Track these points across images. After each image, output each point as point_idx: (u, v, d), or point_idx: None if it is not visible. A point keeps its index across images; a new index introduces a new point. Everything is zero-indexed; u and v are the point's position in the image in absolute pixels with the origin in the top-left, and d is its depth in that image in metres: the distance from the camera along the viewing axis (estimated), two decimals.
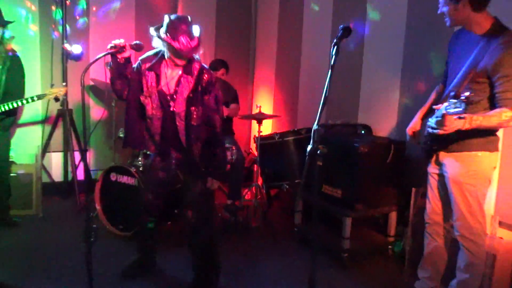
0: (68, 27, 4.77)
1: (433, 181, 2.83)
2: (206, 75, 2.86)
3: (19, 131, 4.71)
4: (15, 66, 3.77)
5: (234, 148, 4.37)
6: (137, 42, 2.77)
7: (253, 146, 5.22)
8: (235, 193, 4.51)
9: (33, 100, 3.73)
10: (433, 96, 2.92)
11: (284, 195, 4.98)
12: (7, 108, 3.63)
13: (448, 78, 2.69)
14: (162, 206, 3.20)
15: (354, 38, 4.27)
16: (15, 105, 3.66)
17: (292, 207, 4.29)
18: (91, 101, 5.17)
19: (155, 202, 3.13)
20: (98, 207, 3.95)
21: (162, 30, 2.70)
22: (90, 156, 5.18)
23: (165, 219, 3.91)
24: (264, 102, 5.49)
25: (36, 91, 3.83)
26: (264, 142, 4.29)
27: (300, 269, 3.41)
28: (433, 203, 2.86)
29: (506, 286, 2.83)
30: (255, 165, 4.40)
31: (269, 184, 4.58)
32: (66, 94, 4.37)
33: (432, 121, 2.45)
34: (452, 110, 2.24)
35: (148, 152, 3.88)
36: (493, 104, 2.44)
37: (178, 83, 2.85)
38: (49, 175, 4.92)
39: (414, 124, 2.90)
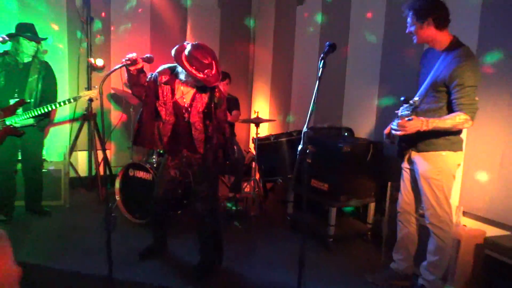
0: (92, 44, 4.76)
1: (406, 176, 2.84)
2: (217, 93, 2.87)
3: (50, 133, 4.69)
4: (48, 75, 3.79)
5: (235, 147, 4.38)
6: (148, 55, 2.76)
7: (251, 146, 5.21)
8: (236, 186, 4.52)
9: (69, 102, 3.75)
10: None
11: (278, 188, 4.98)
12: (45, 111, 3.64)
13: (418, 88, 2.71)
14: (171, 199, 3.18)
15: (338, 54, 4.25)
16: (53, 107, 3.68)
17: (285, 199, 4.28)
18: (112, 107, 5.16)
19: (165, 196, 3.12)
20: (117, 198, 3.94)
21: (186, 60, 2.61)
22: (111, 154, 5.17)
23: (176, 209, 3.90)
24: (261, 108, 5.48)
25: (65, 97, 3.85)
26: (261, 143, 4.29)
27: (292, 251, 3.40)
28: (404, 195, 2.87)
29: (469, 266, 2.84)
30: (253, 162, 4.40)
31: (265, 179, 4.58)
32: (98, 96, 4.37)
33: (394, 124, 2.49)
34: (403, 113, 2.38)
35: (161, 151, 3.88)
36: (451, 109, 2.47)
37: (193, 98, 2.84)
38: (76, 171, 4.90)
39: (390, 127, 2.92)
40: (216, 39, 5.66)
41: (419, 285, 2.73)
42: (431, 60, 2.62)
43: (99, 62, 4.73)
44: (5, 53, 3.64)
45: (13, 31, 3.63)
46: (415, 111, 2.38)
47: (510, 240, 2.68)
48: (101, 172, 4.61)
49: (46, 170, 4.16)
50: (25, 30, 3.61)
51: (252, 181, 4.41)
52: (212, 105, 2.85)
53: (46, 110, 3.64)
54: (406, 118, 2.37)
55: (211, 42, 5.25)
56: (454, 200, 3.15)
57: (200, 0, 5.52)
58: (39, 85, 3.69)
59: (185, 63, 2.61)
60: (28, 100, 3.64)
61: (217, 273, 3.05)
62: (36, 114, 3.61)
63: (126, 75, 2.80)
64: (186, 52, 2.63)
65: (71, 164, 4.70)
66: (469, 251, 2.82)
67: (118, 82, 4.68)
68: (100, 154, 4.62)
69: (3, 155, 3.67)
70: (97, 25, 4.86)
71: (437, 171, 2.58)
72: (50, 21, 4.60)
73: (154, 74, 2.88)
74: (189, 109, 2.84)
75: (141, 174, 3.81)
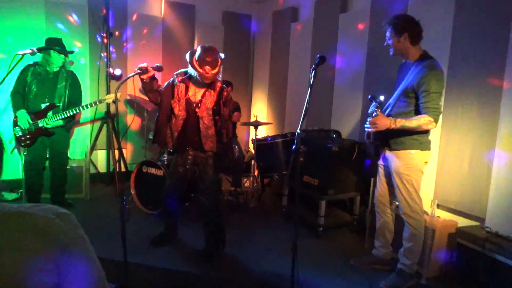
0: (110, 55, 4.73)
1: (381, 171, 2.86)
2: (225, 93, 2.88)
3: (73, 134, 4.66)
4: (74, 83, 3.81)
5: (236, 147, 4.35)
6: (158, 64, 2.75)
7: (251, 146, 5.19)
8: (237, 181, 4.49)
9: (95, 104, 3.79)
10: None
11: (274, 183, 4.96)
12: (73, 113, 3.67)
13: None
14: (180, 193, 3.16)
15: (328, 65, 4.26)
16: (80, 109, 3.71)
17: (280, 192, 4.27)
18: (128, 111, 5.14)
19: (174, 190, 3.10)
20: (132, 192, 3.91)
21: (193, 55, 2.74)
22: (127, 153, 5.14)
23: (184, 201, 3.88)
24: (259, 113, 5.46)
25: (86, 102, 3.86)
26: (259, 143, 4.27)
27: (286, 239, 3.38)
28: (379, 188, 2.88)
29: (443, 252, 2.83)
30: (252, 160, 4.38)
31: (263, 175, 4.55)
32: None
33: (367, 123, 2.55)
34: (369, 111, 2.48)
35: (171, 150, 3.86)
36: (419, 113, 2.51)
37: (203, 95, 2.85)
38: (96, 167, 4.87)
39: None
40: (220, 52, 5.64)
41: (398, 269, 2.72)
42: (404, 70, 2.68)
43: (117, 71, 4.71)
44: (35, 64, 3.65)
45: (40, 45, 3.62)
46: (383, 110, 2.45)
47: (479, 230, 2.68)
48: (118, 168, 4.59)
49: (69, 167, 4.14)
50: (55, 44, 3.64)
51: (251, 177, 4.39)
52: (221, 103, 2.85)
53: (74, 112, 3.68)
54: (373, 114, 2.45)
55: None
56: (430, 194, 3.14)
57: (206, 18, 5.52)
58: (67, 91, 3.72)
59: (193, 58, 2.72)
60: (58, 104, 3.66)
61: (220, 258, 3.04)
62: (65, 116, 3.64)
63: (141, 83, 2.79)
64: (196, 50, 2.76)
65: (91, 161, 4.68)
66: (443, 240, 2.81)
67: (133, 89, 4.65)
68: (117, 153, 4.60)
69: (35, 154, 3.68)
70: (115, 39, 4.84)
71: (407, 167, 2.59)
72: (74, 39, 4.60)
73: (173, 77, 2.92)
74: (199, 104, 2.84)
75: (153, 170, 3.79)
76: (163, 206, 3.33)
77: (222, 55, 2.91)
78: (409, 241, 2.66)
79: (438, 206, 3.01)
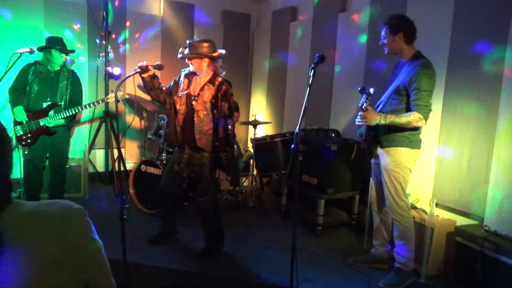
0: (110, 54, 4.72)
1: (374, 170, 2.87)
2: (224, 87, 2.85)
3: (72, 133, 4.65)
4: (75, 81, 3.81)
5: (235, 147, 4.34)
6: (159, 63, 2.76)
7: (250, 145, 5.19)
8: (236, 180, 4.49)
9: (98, 103, 3.80)
10: None
11: (273, 182, 4.96)
12: (75, 112, 3.67)
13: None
14: (176, 191, 3.12)
15: (327, 64, 4.25)
16: (83, 108, 3.70)
17: (279, 191, 4.27)
18: (127, 111, 5.13)
19: (167, 187, 3.07)
20: (131, 191, 3.91)
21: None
22: (126, 152, 5.13)
23: (183, 200, 3.87)
24: (258, 112, 5.46)
25: (85, 101, 3.86)
26: (258, 142, 4.27)
27: (285, 238, 3.39)
28: (374, 187, 2.90)
29: (441, 251, 2.84)
30: (251, 160, 4.38)
31: (262, 174, 4.56)
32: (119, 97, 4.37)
33: (358, 117, 2.58)
34: (360, 103, 2.52)
35: (170, 149, 3.86)
36: (410, 110, 2.53)
37: (202, 88, 2.85)
38: (94, 167, 4.86)
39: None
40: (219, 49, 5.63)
41: (395, 268, 2.72)
42: (398, 69, 2.71)
43: (116, 70, 4.70)
44: (36, 62, 3.65)
45: (37, 44, 3.61)
46: (375, 108, 2.50)
47: (477, 229, 2.68)
48: (117, 168, 4.59)
49: (68, 166, 4.13)
50: (56, 43, 3.63)
51: (250, 176, 4.39)
52: (219, 95, 2.83)
53: (76, 111, 3.68)
54: (363, 106, 2.49)
55: None
56: (428, 193, 3.14)
57: (205, 17, 5.51)
58: (68, 90, 3.71)
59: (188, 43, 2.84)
60: (60, 103, 3.66)
61: (219, 256, 3.04)
62: (67, 115, 3.63)
63: (142, 81, 2.81)
64: None
65: (90, 160, 4.67)
66: (442, 238, 2.82)
67: (132, 88, 4.65)
68: (115, 152, 4.59)
69: (36, 153, 3.67)
70: (122, 36, 4.83)
71: (396, 164, 2.61)
72: (73, 38, 4.58)
73: (179, 75, 2.98)
74: (196, 97, 2.84)
75: (152, 169, 3.78)
76: (161, 204, 3.33)
77: (223, 51, 2.91)
78: (400, 239, 2.68)
79: (437, 205, 3.01)
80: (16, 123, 3.58)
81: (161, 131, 4.01)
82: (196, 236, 3.26)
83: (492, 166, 2.72)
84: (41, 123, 3.58)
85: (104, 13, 4.59)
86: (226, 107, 2.85)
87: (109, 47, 4.69)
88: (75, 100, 3.77)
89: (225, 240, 3.14)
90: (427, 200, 3.04)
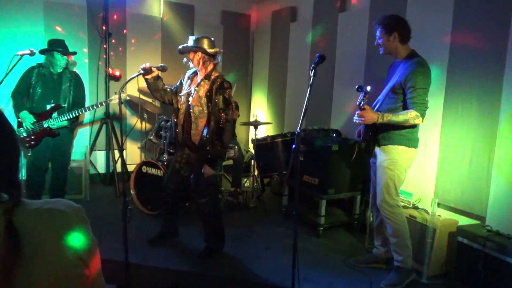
0: (110, 56, 4.73)
1: (373, 169, 2.87)
2: (220, 79, 2.83)
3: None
4: (78, 83, 3.82)
5: (236, 147, 4.35)
6: (162, 64, 2.76)
7: (250, 146, 5.19)
8: (237, 181, 4.49)
9: (101, 105, 3.82)
10: None
11: (274, 183, 4.96)
12: (78, 114, 3.68)
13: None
14: (178, 190, 3.13)
15: (327, 64, 4.25)
16: (86, 110, 3.72)
17: (280, 192, 4.27)
18: (128, 112, 5.13)
19: (169, 185, 3.09)
20: (132, 192, 3.91)
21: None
22: (127, 153, 5.14)
23: (184, 201, 3.88)
24: (259, 112, 5.46)
25: (86, 103, 3.87)
26: (259, 143, 4.27)
27: (286, 238, 3.39)
28: (374, 186, 2.89)
29: (443, 251, 2.83)
30: (252, 160, 4.38)
31: (263, 175, 4.55)
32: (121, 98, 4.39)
33: (356, 115, 2.60)
34: (357, 102, 2.54)
35: (171, 150, 3.86)
36: (406, 108, 2.55)
37: (198, 84, 2.86)
38: (95, 168, 4.87)
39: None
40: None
41: (395, 267, 2.72)
42: (393, 69, 2.73)
43: (117, 72, 4.71)
44: (39, 65, 3.66)
45: (37, 46, 3.62)
46: (364, 97, 2.53)
47: (479, 228, 2.67)
48: (118, 169, 4.59)
49: (69, 168, 4.14)
50: (58, 45, 3.64)
51: (251, 177, 4.39)
52: (213, 88, 2.80)
53: (79, 113, 3.69)
54: (361, 104, 2.50)
55: None
56: (430, 192, 3.14)
57: (205, 18, 5.52)
58: (71, 92, 3.73)
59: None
60: (63, 105, 3.67)
61: (220, 257, 3.04)
62: (71, 117, 3.64)
63: (145, 83, 2.82)
64: None
65: (91, 162, 4.68)
66: (444, 238, 2.81)
67: (134, 90, 4.66)
68: (116, 153, 4.60)
69: (39, 154, 3.68)
70: (115, 39, 4.84)
71: (391, 162, 2.62)
72: (73, 40, 4.57)
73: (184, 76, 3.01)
74: (193, 94, 2.86)
75: (153, 171, 3.78)
76: (162, 203, 3.33)
77: (220, 49, 2.94)
78: (394, 237, 2.68)
79: (439, 205, 3.01)
80: (19, 124, 3.60)
81: (161, 132, 4.01)
82: (197, 237, 3.26)
83: (493, 166, 2.71)
84: (45, 125, 3.60)
85: (104, 14, 4.60)
86: (221, 99, 2.79)
87: (109, 48, 4.69)
88: (78, 101, 3.78)
89: (226, 241, 3.13)
90: (428, 200, 3.04)
